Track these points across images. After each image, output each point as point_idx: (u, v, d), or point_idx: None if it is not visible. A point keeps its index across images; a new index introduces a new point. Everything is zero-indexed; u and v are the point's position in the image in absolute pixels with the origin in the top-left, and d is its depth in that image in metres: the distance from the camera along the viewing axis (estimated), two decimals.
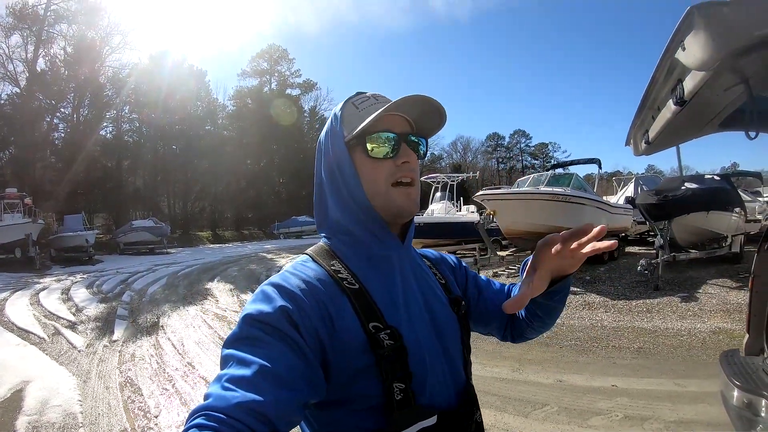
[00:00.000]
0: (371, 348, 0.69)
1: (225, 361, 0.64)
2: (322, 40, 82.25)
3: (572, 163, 15.92)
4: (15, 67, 28.96)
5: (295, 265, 0.79)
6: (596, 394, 4.13)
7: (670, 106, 1.71)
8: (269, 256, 20.72)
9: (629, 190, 16.76)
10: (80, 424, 4.01)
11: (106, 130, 33.98)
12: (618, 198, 16.45)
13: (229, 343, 0.65)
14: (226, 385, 0.59)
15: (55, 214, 24.14)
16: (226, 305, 9.29)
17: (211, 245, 31.48)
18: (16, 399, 4.58)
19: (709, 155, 78.67)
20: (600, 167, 14.91)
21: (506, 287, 1.04)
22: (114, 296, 10.59)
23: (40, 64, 29.85)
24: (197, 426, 0.54)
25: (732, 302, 6.83)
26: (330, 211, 0.84)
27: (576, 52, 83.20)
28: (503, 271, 10.91)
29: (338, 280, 0.75)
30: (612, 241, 0.79)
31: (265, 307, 0.67)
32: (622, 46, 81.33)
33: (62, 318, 8.27)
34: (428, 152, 0.90)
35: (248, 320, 0.67)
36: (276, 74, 47.86)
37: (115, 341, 6.68)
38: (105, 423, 4.03)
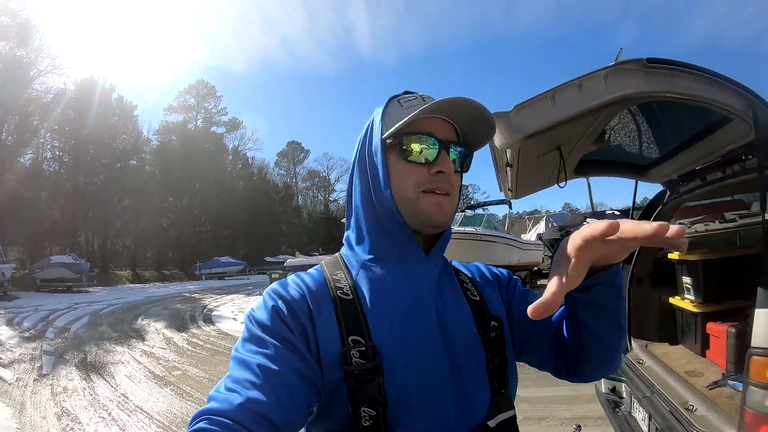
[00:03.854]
0: (341, 362, 0.65)
1: (231, 363, 0.64)
2: (250, 79, 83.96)
3: (485, 204, 17.52)
4: None
5: (301, 272, 0.77)
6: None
7: (507, 169, 2.33)
8: (194, 295, 20.24)
9: (541, 227, 18.39)
10: None
11: (25, 158, 32.06)
12: (530, 235, 18.12)
13: (236, 347, 0.66)
14: (229, 386, 0.59)
15: None
16: (153, 343, 9.30)
17: (132, 285, 30.07)
18: None
19: (623, 193, 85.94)
20: (510, 207, 16.56)
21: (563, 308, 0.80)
22: (37, 332, 10.18)
23: None
24: (200, 430, 0.54)
25: None
26: (356, 217, 0.79)
27: (495, 99, 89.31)
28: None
29: (332, 288, 0.72)
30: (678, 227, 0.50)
31: (260, 310, 0.69)
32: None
33: None
34: (470, 167, 0.81)
35: (248, 323, 0.68)
36: (202, 111, 47.79)
37: (45, 375, 6.57)
38: None
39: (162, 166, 41.31)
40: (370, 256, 0.76)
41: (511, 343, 0.80)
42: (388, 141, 0.73)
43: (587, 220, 10.11)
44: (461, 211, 16.58)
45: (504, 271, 0.92)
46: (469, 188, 64.27)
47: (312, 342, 0.67)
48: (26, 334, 10.09)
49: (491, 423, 0.69)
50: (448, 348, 0.71)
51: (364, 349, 0.65)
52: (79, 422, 4.81)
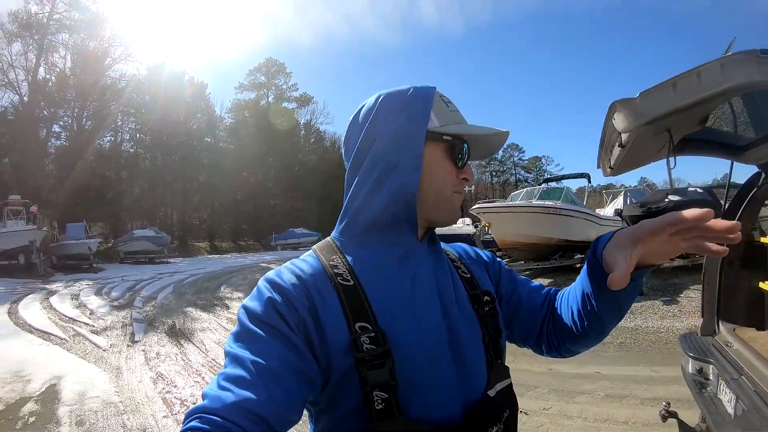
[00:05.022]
0: (351, 350, 0.65)
1: (226, 357, 0.65)
2: (316, 54, 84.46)
3: (563, 177, 16.60)
4: (17, 74, 29.19)
5: (297, 259, 0.77)
6: (581, 379, 4.67)
7: (617, 148, 2.41)
8: (271, 266, 20.84)
9: (618, 203, 17.30)
10: (122, 412, 4.31)
11: (104, 140, 34.24)
12: (607, 210, 17.08)
13: (228, 341, 0.66)
14: (222, 384, 0.60)
15: (54, 222, 24.24)
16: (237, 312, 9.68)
17: (210, 256, 31.76)
18: (51, 392, 4.82)
19: (702, 169, 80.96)
20: (589, 181, 15.59)
21: (546, 289, 0.94)
22: (126, 301, 10.98)
23: (41, 72, 30.06)
24: (192, 429, 0.55)
25: None
26: (358, 198, 0.77)
27: (569, 66, 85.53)
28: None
29: (332, 275, 0.71)
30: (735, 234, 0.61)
31: (256, 302, 0.68)
32: (615, 62, 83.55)
33: (78, 321, 8.62)
34: None
35: (241, 316, 0.68)
36: (273, 88, 48.56)
37: (137, 342, 7.08)
38: (147, 411, 4.32)
39: (236, 143, 42.84)
40: (365, 240, 0.76)
41: (500, 315, 0.85)
42: (443, 136, 0.77)
43: (669, 196, 9.32)
44: (538, 184, 15.86)
45: (488, 253, 0.97)
46: (543, 160, 62.71)
47: (314, 333, 0.66)
48: (115, 303, 10.91)
49: (491, 392, 0.74)
50: (447, 325, 0.73)
51: (373, 335, 0.66)
52: (175, 386, 5.03)
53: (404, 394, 0.66)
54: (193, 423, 0.55)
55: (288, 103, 49.28)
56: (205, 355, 6.24)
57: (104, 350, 6.59)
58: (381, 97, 0.78)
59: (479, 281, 0.85)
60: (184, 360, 6.02)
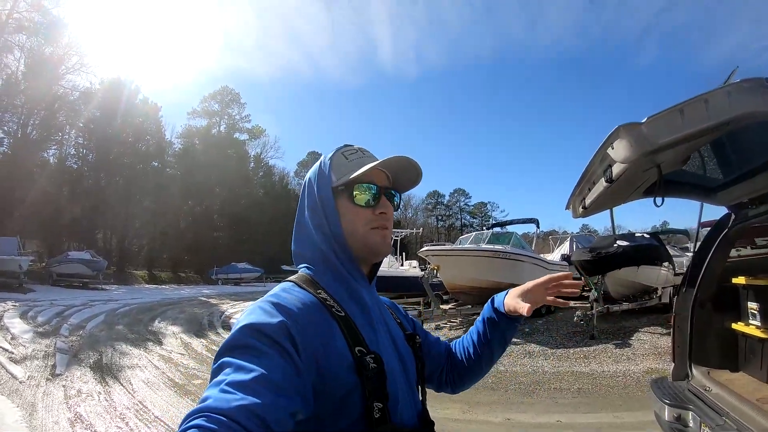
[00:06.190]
0: (356, 370, 0.75)
1: (221, 368, 0.65)
2: (273, 87, 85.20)
3: (511, 222, 17.06)
4: None
5: (285, 288, 0.84)
6: (543, 429, 4.49)
7: (602, 183, 2.30)
8: (210, 300, 20.05)
9: (565, 248, 17.85)
10: None
11: (49, 153, 32.22)
12: (554, 255, 17.52)
13: (225, 351, 0.68)
14: (226, 388, 0.60)
15: None
16: (171, 347, 9.00)
17: (148, 285, 30.08)
18: None
19: (641, 215, 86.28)
20: (538, 227, 16.04)
21: (443, 341, 1.19)
22: (52, 328, 9.93)
23: None
24: (197, 427, 0.54)
25: (663, 346, 7.47)
26: (315, 243, 0.91)
27: (515, 117, 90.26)
28: (445, 323, 11.30)
29: (327, 306, 0.81)
30: (575, 285, 1.09)
31: (266, 320, 0.71)
32: (559, 116, 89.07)
33: None
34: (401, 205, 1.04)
35: (247, 330, 0.69)
36: (226, 117, 47.98)
37: (58, 375, 6.32)
38: None
39: (183, 169, 41.35)
40: (336, 279, 0.89)
41: None
42: (340, 188, 0.91)
43: (617, 242, 9.67)
44: (488, 229, 16.06)
45: (401, 307, 1.16)
46: (488, 206, 64.69)
47: (321, 357, 0.74)
48: (40, 329, 9.86)
49: (426, 407, 0.96)
50: (398, 354, 0.91)
51: (373, 356, 0.78)
52: (94, 430, 4.38)
53: (392, 405, 0.79)
54: (199, 421, 0.55)
55: (240, 134, 48.76)
56: (131, 397, 5.59)
57: (21, 382, 5.87)
58: (308, 176, 0.97)
59: (405, 325, 1.05)
60: (107, 400, 5.36)
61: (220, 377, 0.63)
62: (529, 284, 1.07)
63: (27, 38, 28.82)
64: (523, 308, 1.01)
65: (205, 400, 0.59)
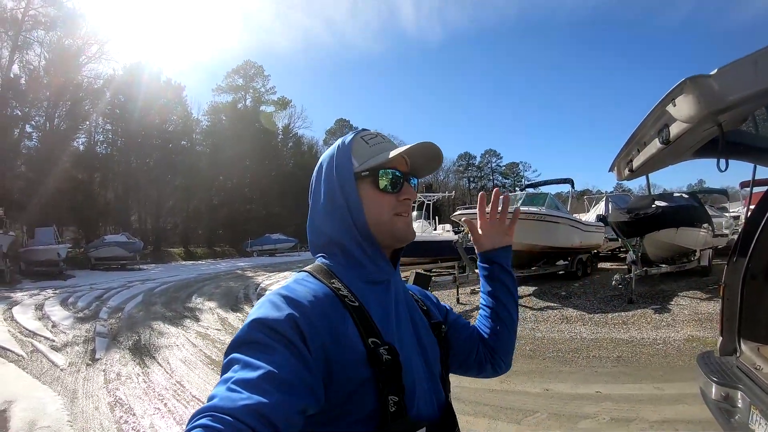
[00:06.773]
0: (370, 362, 0.73)
1: (230, 364, 0.64)
2: (296, 58, 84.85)
3: (545, 183, 16.45)
4: None
5: (298, 279, 0.82)
6: (582, 400, 4.34)
7: (656, 144, 2.05)
8: (246, 273, 20.46)
9: (600, 208, 17.27)
10: None
11: (78, 142, 33.06)
12: (589, 216, 16.97)
13: (234, 347, 0.67)
14: (232, 387, 0.59)
15: (23, 226, 23.03)
16: (208, 324, 9.19)
17: (184, 262, 30.94)
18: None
19: (676, 173, 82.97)
20: (573, 187, 15.42)
21: (471, 326, 1.13)
22: (91, 313, 10.31)
23: (14, 69, 28.54)
24: (203, 426, 0.54)
25: (703, 312, 7.19)
26: (333, 231, 0.87)
27: (546, 75, 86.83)
28: (480, 288, 11.10)
29: (340, 297, 0.78)
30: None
31: (274, 314, 0.69)
32: (593, 73, 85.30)
33: (38, 335, 8.03)
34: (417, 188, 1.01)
35: (255, 325, 0.68)
36: (251, 90, 48.02)
37: (97, 360, 6.54)
38: None
39: (212, 146, 41.95)
40: (353, 269, 0.86)
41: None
42: (363, 173, 0.87)
43: (656, 202, 9.32)
44: (521, 190, 15.59)
45: (433, 295, 1.14)
46: (520, 165, 63.35)
47: (332, 350, 0.71)
48: (80, 315, 10.23)
49: (450, 399, 0.93)
50: (420, 344, 0.88)
51: (387, 348, 0.75)
52: (133, 413, 4.49)
53: (408, 398, 0.77)
54: (204, 420, 0.55)
55: (266, 107, 48.82)
56: (169, 377, 5.73)
57: (62, 369, 6.08)
58: (322, 161, 0.93)
59: (432, 314, 1.01)
60: (145, 382, 5.51)
61: (227, 374, 0.62)
62: (477, 222, 1.16)
63: (45, 33, 29.32)
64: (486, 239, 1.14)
65: (212, 398, 0.59)
